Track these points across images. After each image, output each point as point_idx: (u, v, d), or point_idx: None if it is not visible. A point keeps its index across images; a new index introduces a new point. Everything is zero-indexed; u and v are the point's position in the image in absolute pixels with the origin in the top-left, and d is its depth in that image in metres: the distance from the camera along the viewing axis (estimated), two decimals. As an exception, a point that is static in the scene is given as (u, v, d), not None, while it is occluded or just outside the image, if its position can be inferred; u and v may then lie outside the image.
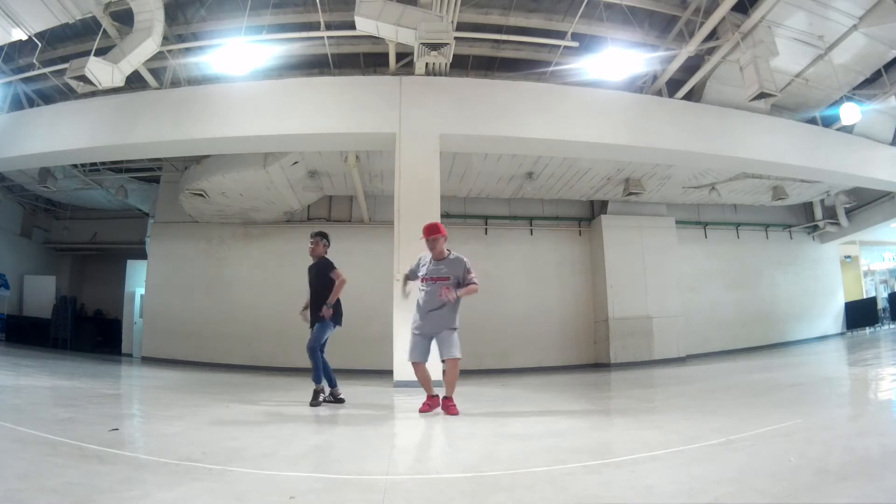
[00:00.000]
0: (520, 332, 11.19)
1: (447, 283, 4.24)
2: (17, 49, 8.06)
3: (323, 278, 4.95)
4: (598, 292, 11.58)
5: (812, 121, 9.47)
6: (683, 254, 11.96)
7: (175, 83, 8.16)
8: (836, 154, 9.25)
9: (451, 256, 4.40)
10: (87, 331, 13.38)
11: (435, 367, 4.57)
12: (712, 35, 7.36)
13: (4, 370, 6.66)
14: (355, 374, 8.60)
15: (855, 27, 7.25)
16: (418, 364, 4.33)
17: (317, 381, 4.77)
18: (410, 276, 4.57)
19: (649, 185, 10.70)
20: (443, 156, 7.57)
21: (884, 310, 14.55)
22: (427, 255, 4.44)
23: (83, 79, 6.65)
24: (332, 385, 4.89)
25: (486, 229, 11.73)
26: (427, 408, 4.27)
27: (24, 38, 6.92)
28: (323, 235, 5.21)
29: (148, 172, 11.72)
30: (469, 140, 7.75)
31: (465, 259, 4.39)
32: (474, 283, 4.30)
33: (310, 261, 5.18)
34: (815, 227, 13.62)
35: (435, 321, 4.25)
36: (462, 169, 9.88)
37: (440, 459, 2.85)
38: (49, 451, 2.44)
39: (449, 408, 4.14)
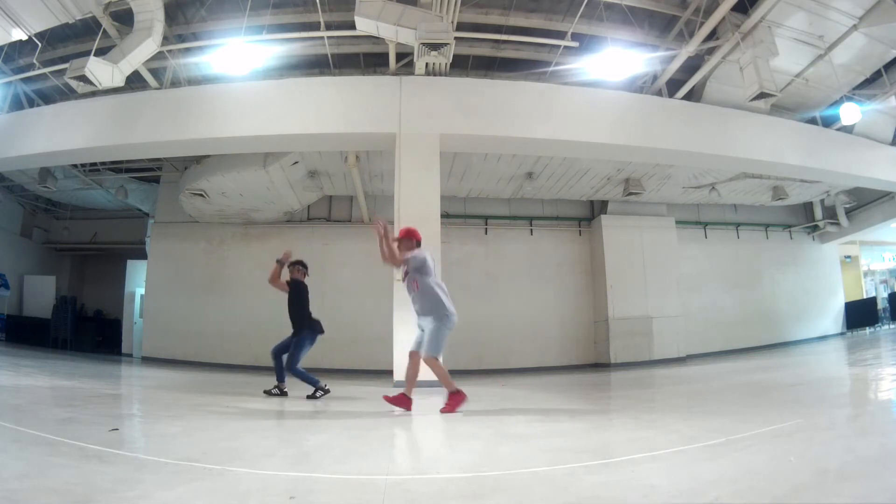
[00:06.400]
0: (520, 332, 11.19)
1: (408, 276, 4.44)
2: (17, 49, 8.06)
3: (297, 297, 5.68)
4: (598, 292, 11.58)
5: (812, 121, 9.47)
6: (683, 254, 11.96)
7: (175, 83, 8.15)
8: (836, 154, 9.24)
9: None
10: (87, 331, 13.37)
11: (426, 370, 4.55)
12: (712, 35, 7.36)
13: (4, 370, 6.66)
14: (355, 374, 8.61)
15: (855, 27, 7.24)
16: (412, 354, 4.37)
17: (313, 383, 5.38)
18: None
19: (649, 185, 10.70)
20: (443, 156, 7.56)
21: (884, 310, 14.54)
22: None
23: (83, 79, 6.65)
24: (281, 380, 5.55)
25: (486, 229, 11.73)
26: (394, 400, 4.26)
27: (24, 38, 6.91)
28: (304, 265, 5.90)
29: (148, 172, 11.72)
30: (469, 140, 7.74)
31: (414, 251, 4.49)
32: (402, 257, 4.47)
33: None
34: (815, 227, 13.61)
35: (418, 309, 4.41)
36: (462, 169, 9.88)
37: (440, 459, 2.84)
38: (49, 451, 2.44)
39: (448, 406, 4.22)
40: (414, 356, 4.37)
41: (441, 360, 4.35)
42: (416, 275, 4.36)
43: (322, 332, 5.64)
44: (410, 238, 4.54)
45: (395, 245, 4.51)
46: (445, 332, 4.31)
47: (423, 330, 4.37)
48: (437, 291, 4.33)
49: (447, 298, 4.35)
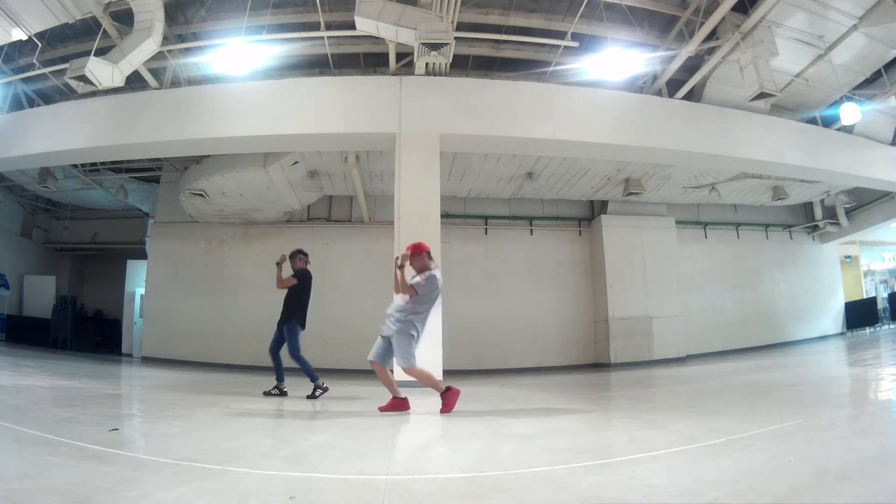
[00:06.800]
0: (520, 332, 11.19)
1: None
2: (17, 49, 8.06)
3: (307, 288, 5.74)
4: (598, 292, 11.58)
5: (812, 121, 9.47)
6: (683, 254, 11.96)
7: (175, 83, 8.15)
8: (836, 154, 9.24)
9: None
10: (87, 331, 13.38)
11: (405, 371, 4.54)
12: (712, 35, 7.36)
13: (4, 370, 6.66)
14: (355, 374, 8.59)
15: (855, 27, 7.24)
16: (372, 364, 4.37)
17: (313, 378, 5.37)
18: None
19: (649, 185, 10.69)
20: (443, 156, 7.55)
21: (884, 310, 14.54)
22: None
23: (83, 79, 6.64)
24: (280, 380, 5.57)
25: (486, 229, 11.73)
26: (389, 408, 4.31)
27: (24, 38, 6.91)
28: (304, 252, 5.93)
29: (148, 172, 11.72)
30: (469, 140, 7.74)
31: (429, 274, 4.40)
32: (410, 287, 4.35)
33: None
34: (815, 227, 13.61)
35: (391, 311, 4.39)
36: (462, 169, 9.87)
37: (440, 459, 2.84)
38: (49, 451, 2.45)
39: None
40: (374, 365, 4.37)
41: (417, 364, 4.30)
42: (421, 300, 4.31)
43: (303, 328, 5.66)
44: (421, 252, 4.48)
45: (406, 268, 4.44)
46: (411, 340, 4.26)
47: (384, 339, 4.34)
48: (415, 320, 4.27)
49: (422, 323, 4.31)
